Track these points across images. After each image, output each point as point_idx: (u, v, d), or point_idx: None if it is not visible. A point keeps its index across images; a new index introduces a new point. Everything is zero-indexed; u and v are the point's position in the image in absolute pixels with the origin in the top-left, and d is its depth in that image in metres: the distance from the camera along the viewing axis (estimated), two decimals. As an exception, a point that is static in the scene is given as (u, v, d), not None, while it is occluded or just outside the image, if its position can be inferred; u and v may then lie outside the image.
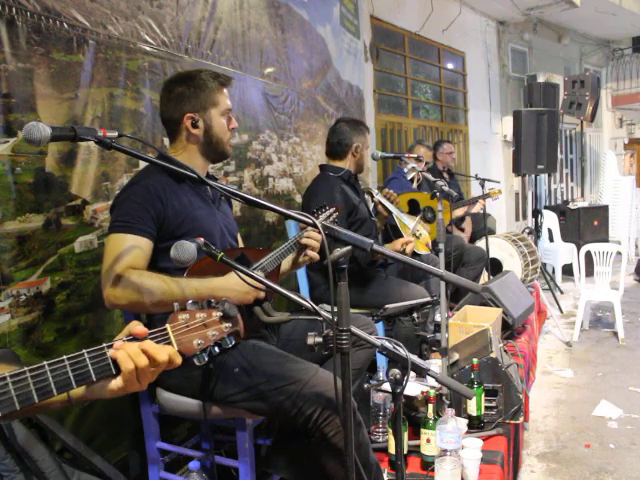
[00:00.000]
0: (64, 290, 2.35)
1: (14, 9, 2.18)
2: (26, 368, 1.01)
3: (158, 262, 1.98)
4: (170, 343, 1.16)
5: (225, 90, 2.16)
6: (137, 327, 1.13)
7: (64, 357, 1.04)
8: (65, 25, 2.39)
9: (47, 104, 2.31)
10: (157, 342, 1.14)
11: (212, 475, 2.15)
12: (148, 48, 2.85)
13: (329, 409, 1.86)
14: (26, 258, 2.21)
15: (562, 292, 7.06)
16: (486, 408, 2.58)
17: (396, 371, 1.64)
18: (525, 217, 8.97)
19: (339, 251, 1.45)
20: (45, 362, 1.03)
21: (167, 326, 1.18)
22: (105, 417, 2.49)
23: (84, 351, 1.07)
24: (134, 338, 1.13)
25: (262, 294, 1.92)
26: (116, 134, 1.60)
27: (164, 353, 1.12)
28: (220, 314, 1.24)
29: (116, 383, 1.11)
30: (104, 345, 1.10)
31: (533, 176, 7.32)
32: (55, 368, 1.03)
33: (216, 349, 1.22)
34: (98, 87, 2.54)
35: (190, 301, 1.23)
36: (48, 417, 2.10)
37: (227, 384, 1.99)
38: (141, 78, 2.79)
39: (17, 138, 2.16)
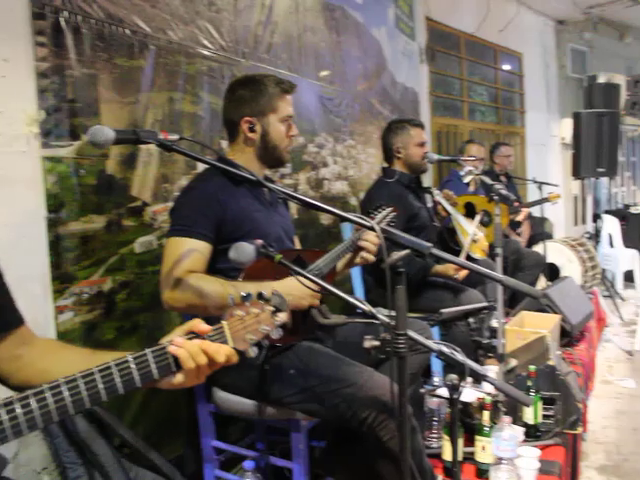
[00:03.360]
0: (124, 289, 2.41)
1: (79, 17, 2.25)
2: (95, 368, 1.04)
3: (216, 264, 2.00)
4: (226, 340, 1.19)
5: (288, 97, 2.16)
6: (201, 325, 1.16)
7: (128, 357, 1.08)
8: (127, 31, 2.46)
9: (110, 108, 2.37)
10: (214, 340, 1.17)
11: (266, 475, 2.17)
12: (206, 52, 2.89)
13: (384, 413, 1.84)
14: (89, 258, 2.27)
15: (623, 299, 6.83)
16: (543, 417, 2.52)
17: (453, 376, 1.62)
18: (584, 222, 8.71)
19: (397, 254, 1.44)
20: (111, 361, 1.06)
21: (223, 323, 1.20)
22: (162, 414, 2.54)
23: (147, 350, 1.10)
24: (196, 335, 1.15)
25: (317, 302, 1.91)
26: (177, 137, 1.62)
27: (222, 354, 1.15)
28: (272, 308, 1.27)
29: (177, 379, 1.14)
30: (165, 343, 1.13)
31: (593, 179, 7.13)
32: (121, 368, 1.07)
33: (266, 341, 1.26)
34: (158, 91, 2.60)
35: (243, 293, 1.25)
36: (108, 412, 2.15)
37: (282, 385, 2.00)
38: (199, 82, 2.84)
39: (81, 141, 2.23)
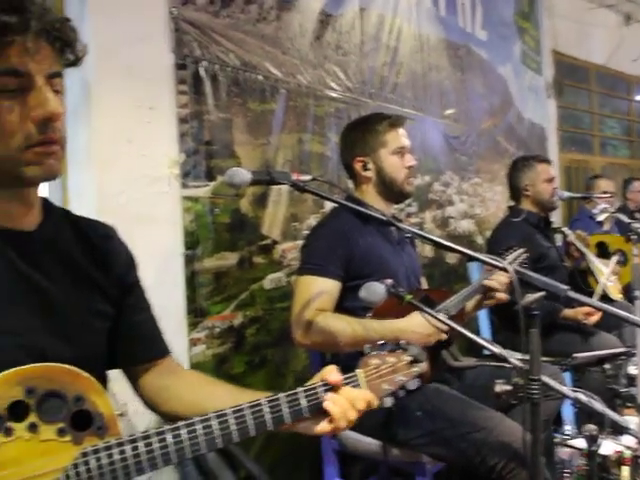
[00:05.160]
0: (254, 324, 2.48)
1: (217, 65, 2.40)
2: (245, 404, 1.06)
3: (343, 302, 2.01)
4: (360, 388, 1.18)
5: (398, 129, 2.17)
6: (332, 375, 1.14)
7: (280, 394, 1.09)
8: (260, 77, 2.59)
9: (243, 150, 2.49)
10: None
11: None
12: (334, 94, 2.97)
13: (515, 461, 1.76)
14: (221, 293, 2.36)
15: None
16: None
17: (592, 427, 1.53)
18: None
19: (531, 296, 1.39)
20: (263, 398, 1.08)
21: (359, 371, 1.19)
22: (286, 449, 2.56)
23: (299, 389, 1.11)
24: (329, 386, 1.14)
25: (444, 336, 1.88)
26: (309, 177, 1.65)
27: (363, 402, 1.13)
28: (410, 359, 1.23)
29: (323, 428, 1.13)
30: (317, 386, 1.13)
31: None
32: (273, 405, 1.08)
33: (401, 392, 1.21)
34: (289, 133, 2.70)
35: (380, 342, 1.24)
36: (235, 445, 2.20)
37: (409, 427, 1.95)
38: (327, 123, 2.92)
39: (216, 182, 2.35)
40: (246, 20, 2.55)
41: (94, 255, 1.17)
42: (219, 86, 2.41)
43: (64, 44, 1.00)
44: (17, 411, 0.93)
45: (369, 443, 2.08)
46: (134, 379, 1.27)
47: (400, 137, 2.18)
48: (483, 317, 3.20)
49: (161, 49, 2.22)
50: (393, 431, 1.97)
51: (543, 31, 5.29)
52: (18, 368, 0.94)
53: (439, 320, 1.51)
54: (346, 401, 1.11)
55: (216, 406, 1.05)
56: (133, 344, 1.23)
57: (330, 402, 1.11)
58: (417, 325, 1.79)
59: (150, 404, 1.27)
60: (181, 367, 1.33)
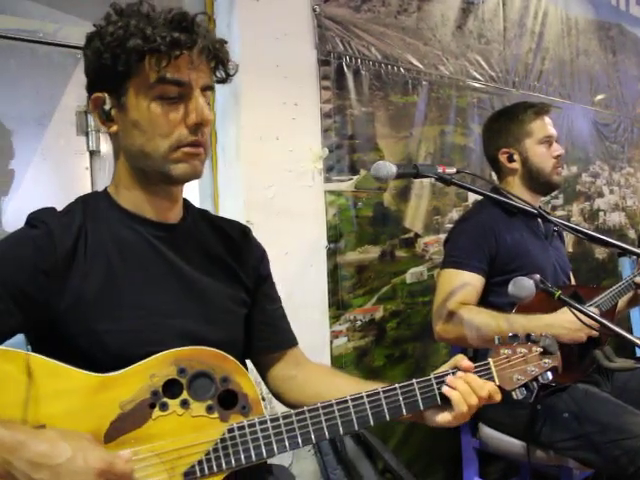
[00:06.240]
0: (394, 318, 2.49)
1: (359, 60, 2.41)
2: (380, 388, 1.11)
3: (488, 296, 1.98)
4: (492, 377, 1.18)
5: (544, 118, 2.11)
6: (464, 361, 1.16)
7: (396, 385, 1.12)
8: (402, 70, 2.57)
9: (385, 143, 2.50)
10: (480, 376, 1.16)
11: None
12: (476, 84, 2.91)
13: (673, 472, 1.64)
14: (363, 286, 2.39)
15: None
16: None
17: None
18: None
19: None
20: (380, 388, 1.11)
21: (490, 360, 1.19)
22: (425, 444, 2.56)
23: (414, 381, 1.13)
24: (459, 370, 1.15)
25: (595, 332, 1.78)
26: (454, 170, 1.63)
27: (485, 390, 1.13)
28: (541, 349, 1.22)
29: (445, 418, 1.14)
30: (432, 377, 1.15)
31: None
32: (406, 391, 1.11)
33: (534, 384, 1.21)
34: (430, 125, 2.68)
35: (510, 334, 1.23)
36: (374, 436, 2.22)
37: (555, 428, 1.89)
38: (470, 114, 2.87)
39: (359, 175, 2.37)
40: (387, 13, 2.55)
41: (231, 248, 1.27)
42: (361, 80, 2.42)
43: (219, 62, 1.12)
44: (171, 388, 1.02)
45: (511, 443, 2.03)
46: (263, 367, 1.34)
47: (546, 126, 2.11)
48: (636, 315, 3.06)
49: (305, 46, 2.27)
50: (537, 432, 1.92)
51: None
52: (173, 350, 1.03)
53: (590, 317, 1.43)
54: (466, 385, 1.12)
55: (340, 397, 1.09)
56: (266, 332, 1.31)
57: (448, 388, 1.12)
58: (566, 321, 1.74)
59: (276, 392, 1.34)
60: (307, 358, 1.38)
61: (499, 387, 1.17)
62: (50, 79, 1.82)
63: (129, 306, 1.07)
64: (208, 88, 1.11)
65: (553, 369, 1.23)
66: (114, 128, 1.10)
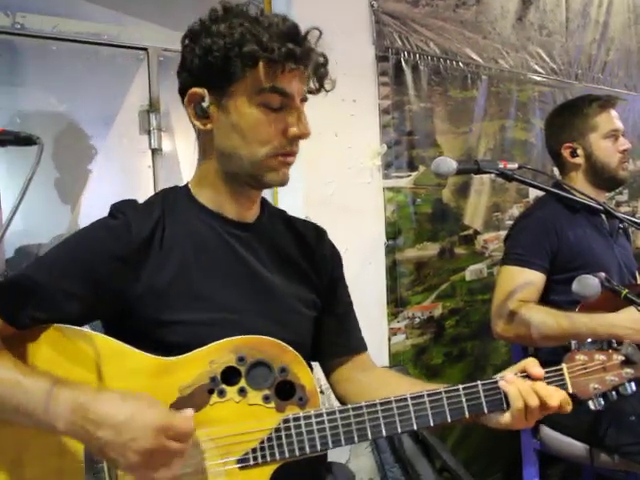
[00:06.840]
0: (453, 316, 2.47)
1: (417, 55, 2.40)
2: (442, 389, 1.08)
3: (549, 294, 1.93)
4: (564, 384, 1.11)
5: (610, 111, 2.04)
6: (535, 368, 1.10)
7: (459, 386, 1.08)
8: (460, 64, 2.54)
9: (445, 139, 2.47)
10: (551, 382, 1.10)
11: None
12: (537, 78, 2.86)
13: None
14: (422, 283, 2.38)
15: None
16: None
17: None
18: None
19: None
20: (442, 388, 1.08)
21: (563, 366, 1.13)
22: (484, 444, 2.53)
23: (478, 382, 1.09)
24: (527, 376, 1.10)
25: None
26: (516, 166, 1.59)
27: (556, 399, 1.07)
28: (622, 358, 1.14)
29: (504, 418, 1.09)
30: (497, 378, 1.10)
31: None
32: (451, 396, 1.07)
33: (614, 394, 1.13)
34: (490, 120, 2.64)
35: (589, 340, 1.16)
36: (433, 435, 2.20)
37: (621, 432, 1.83)
38: (531, 108, 2.82)
39: (418, 172, 2.35)
40: (445, 7, 2.52)
41: (305, 249, 1.27)
42: (420, 76, 2.40)
43: (319, 77, 1.12)
44: (229, 376, 1.03)
45: (574, 445, 1.98)
46: (329, 369, 1.32)
47: (612, 119, 2.05)
48: None
49: (363, 42, 2.27)
50: (602, 435, 1.87)
51: None
52: (233, 337, 1.04)
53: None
54: (524, 383, 1.07)
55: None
56: (335, 337, 1.30)
57: (504, 382, 1.08)
58: (631, 320, 1.68)
59: (340, 396, 1.31)
60: (373, 364, 1.36)
61: (573, 395, 1.11)
62: (114, 80, 1.87)
63: (199, 299, 1.09)
64: (304, 99, 1.12)
65: (636, 380, 1.14)
66: (209, 126, 1.10)
